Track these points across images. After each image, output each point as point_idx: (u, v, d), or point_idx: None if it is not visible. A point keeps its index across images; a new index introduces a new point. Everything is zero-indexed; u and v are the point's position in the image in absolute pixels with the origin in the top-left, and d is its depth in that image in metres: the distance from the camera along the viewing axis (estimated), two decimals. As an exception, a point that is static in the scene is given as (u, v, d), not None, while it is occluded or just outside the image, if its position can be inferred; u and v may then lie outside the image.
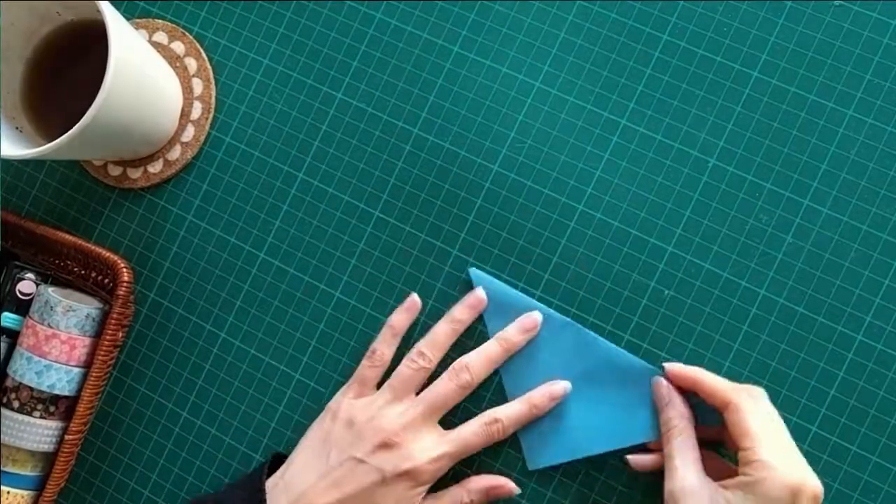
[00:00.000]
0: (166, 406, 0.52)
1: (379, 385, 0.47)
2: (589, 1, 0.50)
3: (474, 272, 0.49)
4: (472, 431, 0.45)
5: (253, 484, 0.45)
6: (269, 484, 0.45)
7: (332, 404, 0.47)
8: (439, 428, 0.45)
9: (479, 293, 0.47)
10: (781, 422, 0.41)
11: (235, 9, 0.54)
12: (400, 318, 0.48)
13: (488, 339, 0.47)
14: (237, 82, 0.54)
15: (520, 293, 0.48)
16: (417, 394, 0.46)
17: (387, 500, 0.43)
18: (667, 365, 0.44)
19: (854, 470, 0.44)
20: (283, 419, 0.51)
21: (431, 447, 0.44)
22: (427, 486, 0.44)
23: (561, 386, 0.46)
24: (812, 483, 0.38)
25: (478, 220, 0.50)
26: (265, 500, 0.44)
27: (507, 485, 0.46)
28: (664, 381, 0.44)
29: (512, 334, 0.47)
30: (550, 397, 0.45)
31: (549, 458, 0.46)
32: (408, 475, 0.43)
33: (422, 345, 0.47)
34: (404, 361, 0.46)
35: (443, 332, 0.47)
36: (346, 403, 0.46)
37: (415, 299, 0.48)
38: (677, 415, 0.43)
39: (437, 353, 0.47)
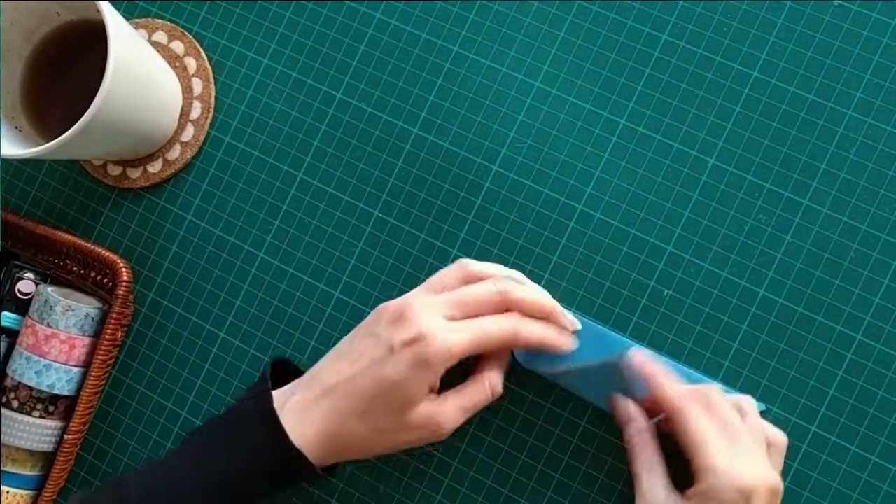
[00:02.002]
0: (165, 405, 0.52)
1: None
2: (588, 1, 0.50)
3: None
4: (496, 321, 0.42)
5: (257, 385, 0.45)
6: (302, 377, 0.44)
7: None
8: None
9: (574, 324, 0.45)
10: (733, 422, 0.40)
11: (235, 8, 0.54)
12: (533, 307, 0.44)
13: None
14: (237, 82, 0.54)
15: None
16: None
17: (395, 375, 0.40)
18: (631, 353, 0.43)
19: (854, 470, 0.44)
20: (282, 419, 0.51)
21: (444, 322, 0.41)
22: (438, 371, 0.41)
23: (576, 321, 0.44)
24: (765, 478, 0.38)
25: (477, 220, 0.50)
26: (270, 397, 0.43)
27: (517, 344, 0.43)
28: (621, 401, 0.44)
29: (561, 318, 0.44)
30: (572, 324, 0.44)
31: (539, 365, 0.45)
32: (415, 342, 0.40)
33: (473, 263, 0.44)
34: (449, 266, 0.44)
35: (496, 267, 0.44)
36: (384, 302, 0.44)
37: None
38: (637, 431, 0.43)
39: (483, 269, 0.44)
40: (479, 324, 0.41)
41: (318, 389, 0.42)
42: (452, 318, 0.41)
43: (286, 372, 0.48)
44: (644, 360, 0.43)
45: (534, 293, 0.43)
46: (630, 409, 0.44)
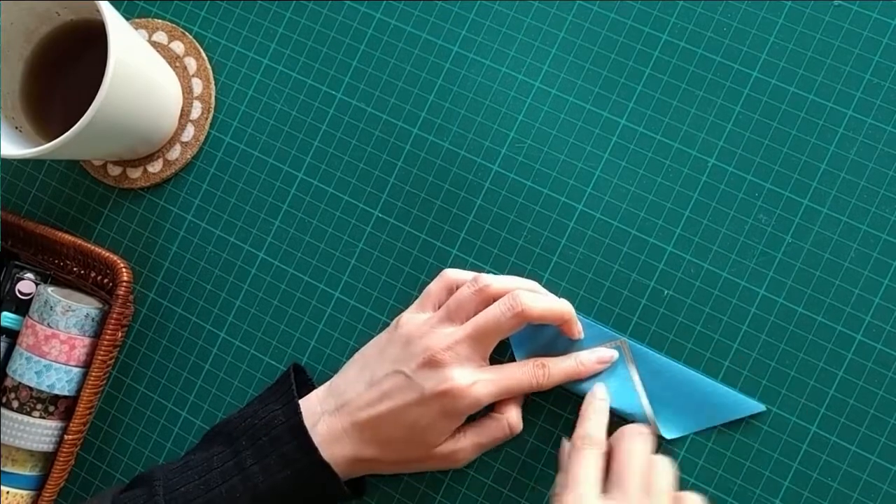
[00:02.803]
0: (166, 406, 0.52)
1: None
2: (588, 1, 0.50)
3: None
4: (518, 368, 0.44)
5: (284, 395, 0.46)
6: (317, 391, 0.46)
7: (396, 319, 0.46)
8: (487, 360, 0.45)
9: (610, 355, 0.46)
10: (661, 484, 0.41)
11: (235, 8, 0.54)
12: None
13: (513, 355, 0.47)
14: (237, 82, 0.54)
15: None
16: None
17: (423, 420, 0.43)
18: (596, 389, 0.45)
19: (854, 470, 0.44)
20: (282, 419, 0.51)
21: (474, 372, 0.43)
22: (464, 416, 0.43)
23: (609, 353, 0.46)
24: None
25: (477, 220, 0.50)
26: (299, 410, 0.44)
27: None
28: (601, 387, 0.45)
29: (577, 325, 0.46)
30: (598, 360, 0.45)
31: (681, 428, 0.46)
32: (445, 395, 0.42)
33: (489, 277, 0.45)
34: (465, 284, 0.45)
35: (513, 281, 0.45)
36: (406, 317, 0.46)
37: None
38: (594, 444, 0.43)
39: (498, 283, 0.45)
40: (507, 374, 0.44)
41: (348, 420, 0.44)
42: (480, 355, 0.44)
43: (299, 382, 0.48)
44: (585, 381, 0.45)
45: (549, 304, 0.44)
46: (598, 396, 0.45)
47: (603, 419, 0.44)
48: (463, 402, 0.42)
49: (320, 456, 0.43)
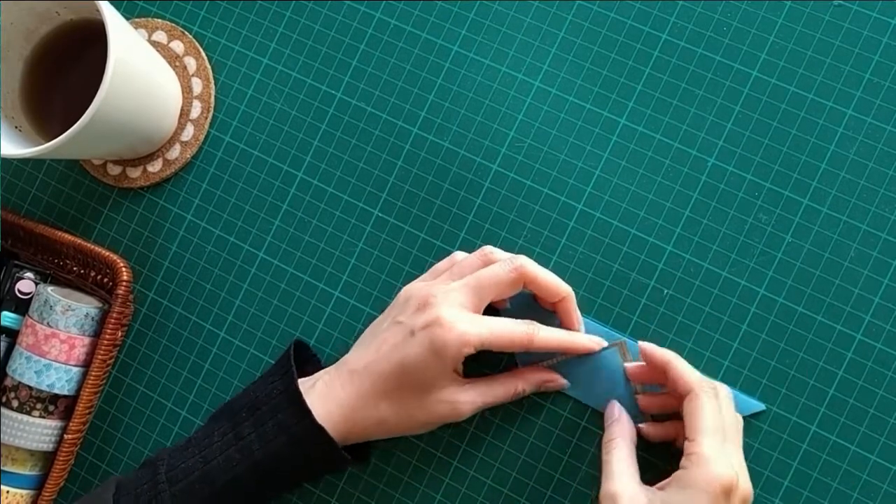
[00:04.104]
0: (165, 405, 0.52)
1: None
2: (588, 0, 0.50)
3: None
4: (512, 324, 0.43)
5: (281, 367, 0.46)
6: (334, 365, 0.46)
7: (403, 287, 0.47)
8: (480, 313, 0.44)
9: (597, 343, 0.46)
10: (737, 424, 0.42)
11: (235, 8, 0.54)
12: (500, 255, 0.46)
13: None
14: (237, 81, 0.54)
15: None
16: None
17: (413, 356, 0.42)
18: (641, 344, 0.44)
19: (853, 469, 0.44)
20: (282, 418, 0.51)
21: (465, 317, 0.42)
22: (454, 357, 0.42)
23: (598, 339, 0.46)
24: (745, 486, 0.39)
25: (477, 219, 0.50)
26: (294, 377, 0.45)
27: (558, 379, 0.46)
28: (616, 404, 0.45)
29: (574, 304, 0.46)
30: (591, 338, 0.46)
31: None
32: (431, 326, 0.42)
33: (496, 251, 0.46)
34: (475, 252, 0.46)
35: (527, 261, 0.44)
36: (410, 285, 0.46)
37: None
38: (620, 433, 0.43)
39: (499, 255, 0.45)
40: (496, 322, 0.43)
41: (345, 372, 0.44)
42: (473, 305, 0.43)
43: (304, 358, 0.49)
44: (656, 347, 0.44)
45: (550, 273, 0.45)
46: (615, 411, 0.45)
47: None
48: (450, 334, 0.41)
49: (314, 419, 0.43)
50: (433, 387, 0.43)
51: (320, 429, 0.43)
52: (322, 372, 0.46)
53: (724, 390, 0.43)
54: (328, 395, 0.44)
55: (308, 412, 0.43)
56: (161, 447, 0.52)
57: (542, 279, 0.44)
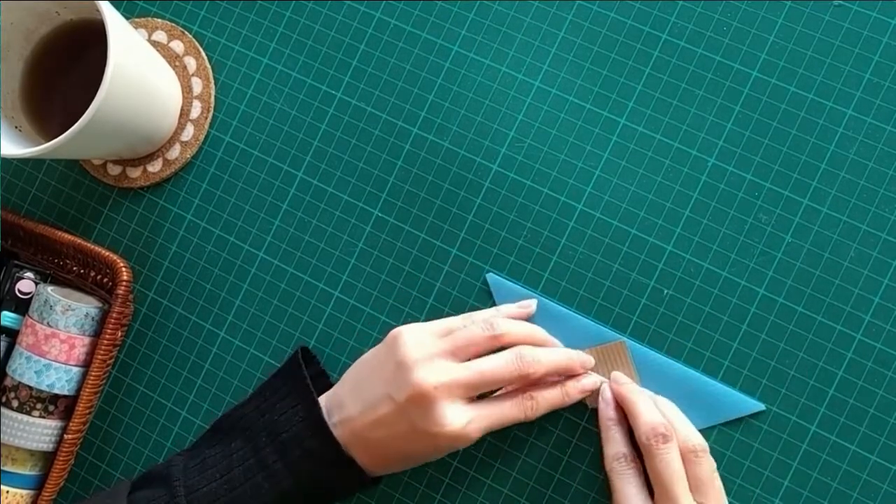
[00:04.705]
0: (165, 405, 0.52)
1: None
2: (588, 0, 0.50)
3: (492, 277, 0.49)
4: (508, 403, 0.44)
5: (299, 389, 0.45)
6: (327, 395, 0.46)
7: (395, 330, 0.45)
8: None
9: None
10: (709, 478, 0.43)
11: (235, 8, 0.54)
12: (514, 312, 0.47)
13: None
14: (236, 81, 0.54)
15: (540, 297, 0.48)
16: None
17: (416, 448, 0.43)
18: (612, 384, 0.45)
19: (853, 469, 0.44)
20: (282, 418, 0.51)
21: (464, 413, 0.42)
22: (458, 446, 0.43)
23: (591, 381, 0.46)
24: None
25: (477, 220, 0.50)
26: (318, 404, 0.44)
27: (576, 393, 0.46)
28: (609, 425, 0.45)
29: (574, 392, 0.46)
30: (581, 390, 0.45)
31: None
32: (437, 436, 0.42)
33: (505, 324, 0.44)
34: (478, 324, 0.44)
35: (528, 326, 0.46)
36: (407, 333, 0.44)
37: (530, 303, 0.48)
38: (615, 458, 0.44)
39: (512, 331, 0.44)
40: (497, 410, 0.43)
41: (349, 434, 0.44)
42: (471, 398, 0.43)
43: (309, 365, 0.49)
44: (618, 394, 0.45)
45: (554, 361, 0.44)
46: (606, 395, 0.45)
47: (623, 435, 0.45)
48: (453, 441, 0.43)
49: (343, 451, 0.43)
50: (434, 458, 0.46)
51: (351, 461, 0.43)
52: (328, 406, 0.45)
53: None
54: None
55: (336, 444, 0.43)
56: (162, 443, 0.52)
57: (546, 371, 0.44)
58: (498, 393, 0.45)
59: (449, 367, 0.43)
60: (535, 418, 0.44)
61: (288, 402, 0.45)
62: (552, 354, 0.44)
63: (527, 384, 0.45)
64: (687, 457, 0.42)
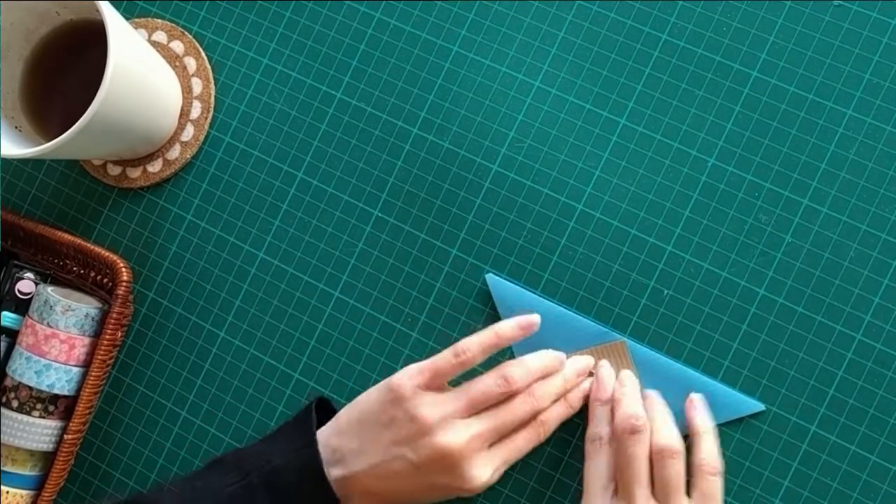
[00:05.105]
0: (165, 405, 0.52)
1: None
2: (588, 1, 0.50)
3: (491, 278, 0.49)
4: (521, 437, 0.44)
5: (303, 438, 0.44)
6: (320, 440, 0.44)
7: (396, 383, 0.43)
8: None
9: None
10: None
11: (235, 8, 0.54)
12: (510, 332, 0.44)
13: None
14: (236, 81, 0.54)
15: (540, 297, 0.48)
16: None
17: (436, 497, 0.44)
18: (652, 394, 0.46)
19: (853, 469, 0.44)
20: (282, 418, 0.51)
21: (486, 463, 0.43)
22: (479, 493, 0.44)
23: (587, 378, 0.46)
24: None
25: (477, 220, 0.50)
26: (319, 460, 0.43)
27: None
28: (595, 403, 0.45)
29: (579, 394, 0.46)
30: (582, 395, 0.46)
31: None
32: (460, 490, 0.43)
33: (514, 368, 0.44)
34: (492, 377, 0.43)
35: (539, 362, 0.45)
36: (413, 391, 0.43)
37: (533, 320, 0.44)
38: (592, 438, 0.44)
39: (526, 380, 0.44)
40: (514, 447, 0.44)
41: (357, 488, 0.43)
42: (489, 441, 0.44)
43: (323, 413, 0.48)
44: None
45: (558, 390, 0.45)
46: (596, 412, 0.45)
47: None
48: (478, 490, 0.43)
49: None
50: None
51: None
52: (328, 454, 0.44)
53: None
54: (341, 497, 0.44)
55: (333, 497, 0.43)
56: (162, 443, 0.52)
57: (560, 394, 0.45)
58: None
59: (469, 425, 0.43)
60: (550, 431, 0.45)
61: (289, 446, 0.45)
62: (560, 382, 0.45)
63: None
64: (654, 457, 0.42)
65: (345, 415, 0.45)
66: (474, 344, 0.43)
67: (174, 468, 0.52)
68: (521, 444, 0.44)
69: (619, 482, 0.42)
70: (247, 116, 0.53)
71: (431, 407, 0.42)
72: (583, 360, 0.46)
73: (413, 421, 0.42)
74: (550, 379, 0.45)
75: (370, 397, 0.45)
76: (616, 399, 0.44)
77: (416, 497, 0.44)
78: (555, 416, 0.45)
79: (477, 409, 0.43)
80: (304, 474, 0.43)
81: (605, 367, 0.46)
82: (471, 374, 0.44)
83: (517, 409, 0.43)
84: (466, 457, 0.42)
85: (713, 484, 0.42)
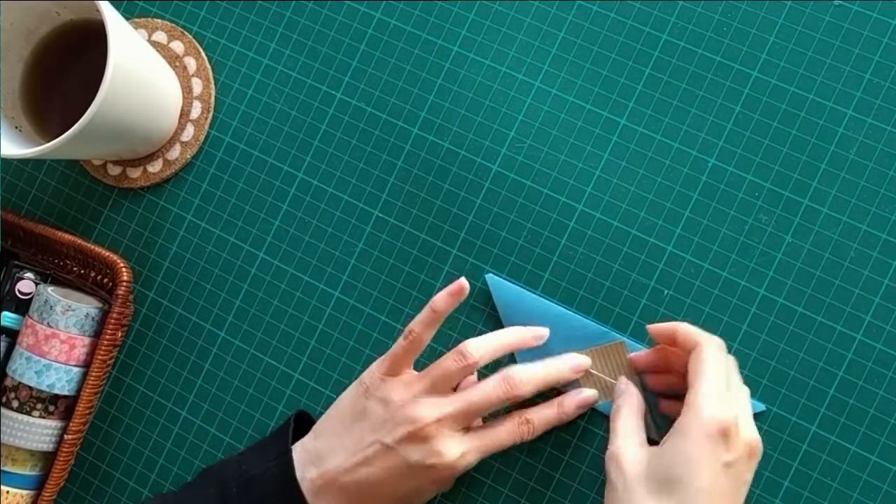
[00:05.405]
0: (165, 405, 0.52)
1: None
2: (588, 1, 0.50)
3: (491, 278, 0.49)
4: (504, 429, 0.44)
5: (279, 447, 0.45)
6: (297, 448, 0.45)
7: (365, 378, 0.45)
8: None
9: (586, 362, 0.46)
10: (736, 375, 0.42)
11: (235, 8, 0.54)
12: (443, 302, 0.44)
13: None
14: (236, 82, 0.54)
15: (540, 297, 0.48)
16: (454, 389, 0.45)
17: (409, 487, 0.43)
18: (648, 327, 0.45)
19: (854, 469, 0.44)
20: (281, 418, 0.51)
21: (460, 443, 0.43)
22: (456, 477, 0.44)
23: (591, 394, 0.46)
24: (748, 432, 0.39)
25: (477, 220, 0.50)
26: (293, 467, 0.44)
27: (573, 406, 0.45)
28: (623, 377, 0.45)
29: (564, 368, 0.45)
30: (579, 405, 0.45)
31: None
32: (433, 469, 0.42)
33: (471, 342, 0.44)
34: (450, 355, 0.44)
35: (503, 342, 0.45)
36: (380, 380, 0.44)
37: (462, 284, 0.44)
38: (627, 401, 0.43)
39: (486, 356, 0.44)
40: (492, 438, 0.44)
41: (331, 481, 0.43)
42: (465, 428, 0.44)
43: (304, 425, 0.48)
44: (659, 329, 0.45)
45: (540, 378, 0.44)
46: (622, 384, 0.45)
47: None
48: (450, 472, 0.43)
49: None
50: (425, 499, 0.45)
51: None
52: (304, 456, 0.44)
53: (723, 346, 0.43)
54: (314, 500, 0.44)
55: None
56: (162, 443, 0.52)
57: (533, 390, 0.44)
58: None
59: (438, 403, 0.43)
60: (532, 438, 0.44)
61: (265, 457, 0.45)
62: (540, 370, 0.44)
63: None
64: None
65: (322, 419, 0.46)
66: (416, 324, 0.44)
67: (174, 468, 0.52)
68: (503, 437, 0.44)
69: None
70: (247, 116, 0.53)
71: (399, 390, 0.44)
72: (578, 358, 0.46)
73: (384, 404, 0.44)
74: (530, 364, 0.45)
75: (343, 397, 0.46)
76: (681, 332, 0.43)
77: (392, 488, 0.43)
78: (543, 418, 0.45)
79: (440, 388, 0.43)
80: (280, 482, 0.44)
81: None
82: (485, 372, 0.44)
83: (488, 391, 0.43)
84: (437, 432, 0.42)
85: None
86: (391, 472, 0.43)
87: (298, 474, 0.44)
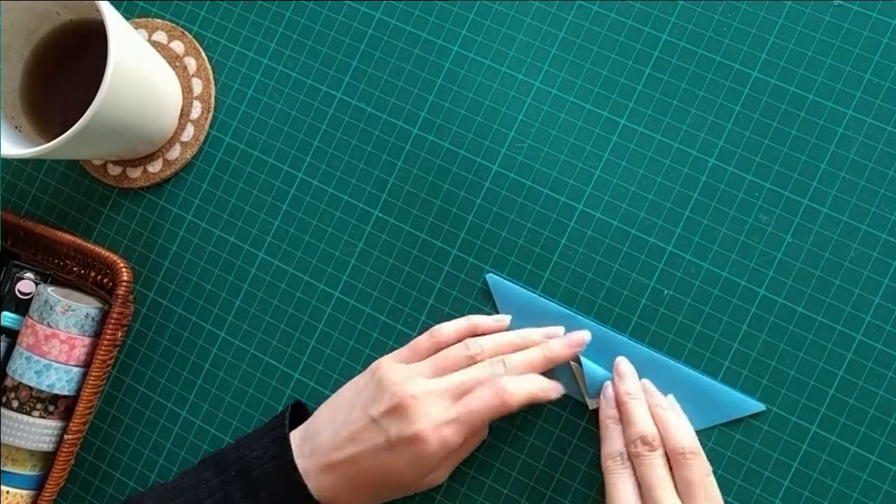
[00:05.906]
0: (165, 405, 0.52)
1: None
2: (588, 1, 0.50)
3: (491, 278, 0.49)
4: (480, 398, 0.43)
5: (276, 431, 0.46)
6: (295, 432, 0.46)
7: (376, 362, 0.46)
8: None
9: (584, 336, 0.46)
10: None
11: (235, 8, 0.54)
12: (486, 326, 0.47)
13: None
14: (237, 82, 0.54)
15: (540, 297, 0.48)
16: None
17: (393, 466, 0.43)
18: (615, 381, 0.46)
19: (854, 469, 0.44)
20: (282, 419, 0.51)
21: (438, 412, 0.42)
22: (438, 456, 0.43)
23: (580, 335, 0.46)
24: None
25: (477, 220, 0.50)
26: (290, 449, 0.44)
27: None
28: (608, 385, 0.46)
29: (559, 349, 0.45)
30: (569, 344, 0.45)
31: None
32: (412, 441, 0.42)
33: (441, 325, 0.46)
34: (458, 344, 0.45)
35: (509, 341, 0.46)
36: (388, 363, 0.45)
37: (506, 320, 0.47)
38: (609, 455, 0.44)
39: (450, 333, 0.46)
40: (468, 409, 0.43)
41: (321, 462, 0.44)
42: (445, 393, 0.44)
43: (301, 413, 0.49)
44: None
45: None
46: (607, 392, 0.45)
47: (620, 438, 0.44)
48: (432, 448, 0.42)
49: (309, 492, 0.43)
50: (410, 484, 0.45)
51: (315, 502, 0.44)
52: (300, 441, 0.45)
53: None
54: (305, 480, 0.44)
55: (302, 486, 0.43)
56: (162, 443, 0.52)
57: (521, 403, 0.43)
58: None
59: (427, 381, 0.44)
60: (515, 398, 0.43)
61: (263, 441, 0.46)
62: (526, 355, 0.45)
63: None
64: (675, 458, 0.42)
65: (323, 403, 0.47)
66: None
67: (174, 468, 0.52)
68: (479, 404, 0.42)
69: (643, 491, 0.42)
70: (247, 117, 0.53)
71: (398, 370, 0.45)
72: (578, 333, 0.46)
73: (380, 382, 0.44)
74: (518, 354, 0.45)
75: (347, 384, 0.47)
76: (626, 417, 0.44)
77: (377, 468, 0.43)
78: (518, 383, 0.43)
79: (441, 371, 0.44)
80: (277, 462, 0.44)
81: (610, 387, 0.46)
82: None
83: (475, 370, 0.44)
84: (418, 404, 0.42)
85: (696, 466, 0.42)
86: (376, 451, 0.43)
87: (296, 455, 0.44)
